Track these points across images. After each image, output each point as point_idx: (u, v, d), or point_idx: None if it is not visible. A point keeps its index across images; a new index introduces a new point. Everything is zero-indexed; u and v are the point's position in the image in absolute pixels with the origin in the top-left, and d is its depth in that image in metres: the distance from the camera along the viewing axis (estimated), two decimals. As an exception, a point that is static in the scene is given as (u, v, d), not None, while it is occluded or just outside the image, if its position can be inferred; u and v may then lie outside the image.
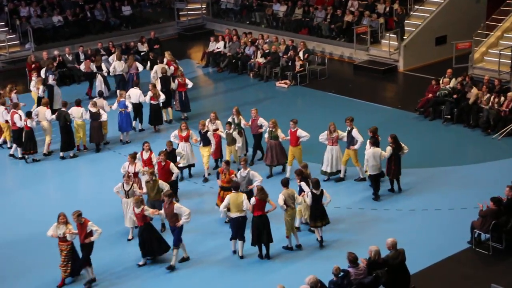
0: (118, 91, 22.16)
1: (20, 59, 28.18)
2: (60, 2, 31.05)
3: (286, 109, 23.52)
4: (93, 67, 24.90)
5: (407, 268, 13.04)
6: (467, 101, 21.28)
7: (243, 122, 18.95)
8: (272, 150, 18.32)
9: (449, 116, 21.55)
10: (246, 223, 14.71)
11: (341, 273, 12.32)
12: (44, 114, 20.23)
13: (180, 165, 17.63)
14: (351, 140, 17.68)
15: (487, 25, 25.92)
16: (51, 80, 23.20)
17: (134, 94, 21.60)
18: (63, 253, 13.82)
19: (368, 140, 17.17)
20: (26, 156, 19.96)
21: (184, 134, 18.25)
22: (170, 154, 17.12)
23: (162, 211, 14.53)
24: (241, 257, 14.71)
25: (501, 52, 23.84)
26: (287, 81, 25.73)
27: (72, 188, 18.72)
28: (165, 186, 15.50)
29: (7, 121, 20.37)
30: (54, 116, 20.26)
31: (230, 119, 18.75)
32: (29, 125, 19.53)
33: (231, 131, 18.33)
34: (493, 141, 20.23)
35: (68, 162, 20.06)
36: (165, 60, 23.52)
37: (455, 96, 21.58)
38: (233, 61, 27.43)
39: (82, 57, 26.68)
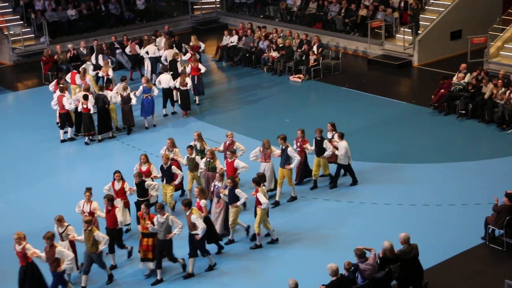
0: (143, 77, 22.47)
1: (35, 53, 28.33)
2: (74, -4, 31.19)
3: (300, 103, 23.51)
4: (139, 50, 25.57)
5: (420, 263, 13.01)
6: (482, 96, 21.15)
7: (207, 148, 16.79)
8: (209, 184, 16.06)
9: (463, 111, 21.43)
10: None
11: (352, 268, 12.36)
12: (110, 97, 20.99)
13: (152, 199, 15.56)
14: (286, 159, 16.52)
15: (503, 19, 25.76)
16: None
17: (165, 79, 22.17)
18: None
19: (337, 134, 17.21)
20: (87, 138, 20.63)
21: (144, 168, 15.98)
22: (140, 188, 15.31)
23: (43, 254, 12.91)
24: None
25: (516, 47, 23.72)
26: (301, 76, 25.68)
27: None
28: (101, 238, 13.48)
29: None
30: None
31: (192, 143, 16.94)
32: (89, 107, 20.27)
33: (193, 156, 16.50)
34: (508, 137, 20.10)
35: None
36: (191, 44, 25.43)
37: (470, 90, 21.45)
38: (247, 55, 27.42)
39: (96, 50, 26.78)
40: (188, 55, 24.25)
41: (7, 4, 30.22)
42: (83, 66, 23.68)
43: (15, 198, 17.65)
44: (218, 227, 15.09)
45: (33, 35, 29.21)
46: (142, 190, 15.33)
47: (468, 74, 22.12)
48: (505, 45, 25.00)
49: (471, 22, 26.78)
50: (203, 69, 23.40)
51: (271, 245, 15.05)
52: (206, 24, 33.17)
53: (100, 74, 23.36)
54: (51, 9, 29.79)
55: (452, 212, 16.14)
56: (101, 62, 24.00)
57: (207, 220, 14.32)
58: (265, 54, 26.98)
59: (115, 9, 31.10)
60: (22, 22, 29.60)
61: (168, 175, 15.97)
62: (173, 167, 15.92)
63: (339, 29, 29.01)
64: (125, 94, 20.89)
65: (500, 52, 24.96)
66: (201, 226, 13.80)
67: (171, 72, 22.90)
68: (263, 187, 14.94)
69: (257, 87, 25.26)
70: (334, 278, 12.06)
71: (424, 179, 17.81)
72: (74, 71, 23.06)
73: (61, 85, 20.91)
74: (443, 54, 26.86)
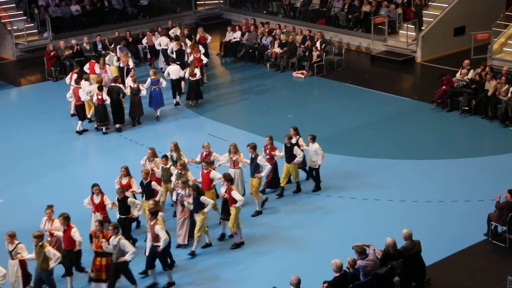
0: (152, 69, 22.63)
1: (38, 48, 28.34)
2: (78, -9, 31.19)
3: (303, 99, 23.51)
4: (155, 41, 25.94)
5: (422, 260, 13.02)
6: (485, 92, 21.13)
7: (184, 159, 16.00)
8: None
9: (467, 108, 21.41)
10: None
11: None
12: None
13: (135, 216, 14.86)
14: (256, 168, 15.96)
15: (507, 15, 25.71)
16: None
17: (174, 71, 22.55)
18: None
19: (309, 136, 16.70)
20: (102, 128, 20.89)
21: (124, 182, 15.09)
22: (121, 204, 14.43)
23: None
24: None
25: (520, 43, 23.69)
26: (304, 72, 25.68)
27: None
28: (52, 254, 12.71)
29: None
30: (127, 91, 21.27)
31: (168, 154, 16.18)
32: (104, 98, 20.48)
33: (168, 166, 15.72)
34: (511, 133, 20.08)
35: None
36: (198, 35, 25.70)
37: (473, 86, 21.43)
38: (250, 51, 27.41)
39: (99, 46, 26.78)
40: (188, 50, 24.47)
41: (11, -1, 30.28)
42: (107, 57, 24.01)
43: (19, 193, 17.67)
44: (182, 237, 14.72)
45: (36, 30, 29.22)
46: (124, 207, 14.40)
47: (472, 71, 22.10)
48: (508, 41, 24.97)
49: (475, 18, 26.74)
50: (205, 60, 23.97)
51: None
52: (209, 20, 33.14)
53: (121, 64, 23.70)
54: (55, 5, 29.80)
55: (455, 208, 16.14)
56: (118, 53, 24.34)
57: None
58: (268, 50, 26.96)
59: (118, 5, 31.10)
60: (25, 17, 29.61)
61: (147, 191, 14.94)
62: (153, 183, 15.00)
63: (342, 25, 28.98)
64: (134, 86, 21.14)
65: (504, 48, 24.94)
66: (163, 237, 13.23)
67: (178, 62, 23.29)
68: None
69: (260, 83, 25.27)
70: (337, 274, 12.08)
71: (426, 175, 17.81)
72: (92, 61, 23.47)
73: (77, 76, 21.24)
74: (447, 50, 26.83)
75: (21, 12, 29.83)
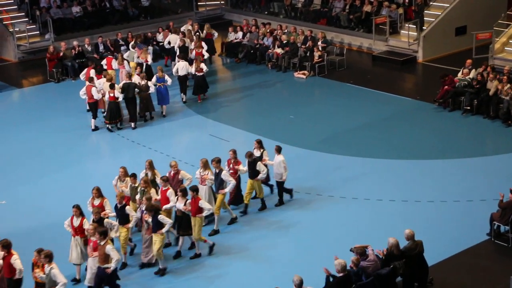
0: (158, 67, 22.89)
1: (40, 49, 28.36)
2: (79, -7, 31.22)
3: (304, 100, 23.51)
4: (171, 39, 26.22)
5: (425, 260, 13.01)
6: (487, 92, 21.12)
7: (158, 178, 15.38)
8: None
9: (468, 107, 21.40)
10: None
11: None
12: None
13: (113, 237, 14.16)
14: (220, 183, 15.37)
15: (508, 15, 25.69)
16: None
17: (183, 67, 22.94)
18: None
19: (275, 148, 16.14)
20: (111, 126, 21.09)
21: (97, 203, 14.31)
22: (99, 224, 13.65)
23: None
24: None
25: (522, 43, 23.67)
26: (305, 72, 25.67)
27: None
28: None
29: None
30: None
31: (142, 172, 15.53)
32: (116, 95, 20.64)
33: (136, 185, 14.97)
34: (513, 133, 20.11)
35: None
36: (204, 32, 26.52)
37: (475, 86, 21.42)
38: (251, 51, 27.42)
39: (101, 47, 26.83)
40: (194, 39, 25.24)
41: (12, 1, 30.25)
42: (127, 53, 24.55)
43: (20, 194, 17.67)
44: (149, 256, 14.20)
45: (38, 32, 29.24)
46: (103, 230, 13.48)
47: (473, 70, 22.09)
48: (510, 41, 24.95)
49: (476, 18, 26.72)
50: (206, 55, 24.62)
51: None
52: (210, 21, 32.95)
53: (140, 60, 23.99)
54: (56, 6, 29.82)
55: (457, 208, 16.13)
56: (136, 50, 24.65)
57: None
58: (269, 50, 26.97)
59: (119, 6, 31.12)
60: (27, 19, 29.63)
61: (121, 216, 14.13)
62: (127, 207, 14.18)
63: (343, 25, 28.97)
64: (143, 83, 21.36)
65: (505, 48, 24.91)
66: (116, 257, 12.75)
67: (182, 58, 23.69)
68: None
69: (261, 83, 25.27)
70: (341, 274, 12.08)
71: (429, 175, 17.80)
72: (109, 56, 24.10)
73: (91, 76, 21.61)
74: (448, 50, 26.81)
75: (23, 13, 29.86)
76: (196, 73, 22.87)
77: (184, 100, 23.32)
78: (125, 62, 23.43)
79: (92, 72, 22.30)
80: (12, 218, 16.36)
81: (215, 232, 15.35)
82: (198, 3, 33.74)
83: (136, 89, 21.18)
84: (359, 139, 20.07)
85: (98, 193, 14.30)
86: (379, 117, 21.64)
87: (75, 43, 26.85)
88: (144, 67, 23.39)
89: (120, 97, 20.82)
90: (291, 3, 30.91)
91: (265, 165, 16.06)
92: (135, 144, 20.41)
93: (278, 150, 16.16)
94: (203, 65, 23.06)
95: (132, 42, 25.23)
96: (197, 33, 26.30)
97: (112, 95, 20.69)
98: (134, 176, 15.01)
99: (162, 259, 14.03)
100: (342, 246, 13.48)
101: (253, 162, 15.81)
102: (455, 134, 20.33)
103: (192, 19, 29.10)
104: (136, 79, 21.64)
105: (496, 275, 13.60)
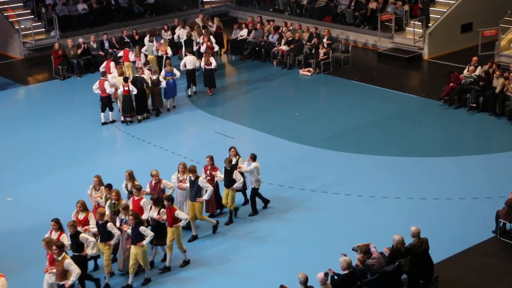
0: (167, 61, 23.05)
1: (46, 47, 28.40)
2: (84, -10, 31.26)
3: (309, 97, 23.50)
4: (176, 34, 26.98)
5: (430, 257, 13.01)
6: (493, 89, 21.06)
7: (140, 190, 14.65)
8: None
9: (474, 105, 21.35)
10: None
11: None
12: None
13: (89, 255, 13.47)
14: (197, 191, 14.87)
15: (514, 12, 25.63)
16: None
17: (190, 61, 23.15)
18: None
19: (250, 156, 15.68)
20: (128, 119, 21.36)
21: (81, 217, 13.78)
22: (74, 240, 13.07)
23: None
24: None
25: (528, 40, 23.60)
26: (311, 69, 25.65)
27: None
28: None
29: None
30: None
31: (123, 184, 15.00)
32: (130, 89, 20.92)
33: (109, 196, 14.43)
34: (519, 130, 20.07)
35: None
36: (214, 26, 27.33)
37: (481, 83, 21.37)
38: (257, 48, 27.41)
39: (106, 44, 26.88)
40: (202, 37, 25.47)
41: (18, -2, 30.37)
42: (145, 46, 24.89)
43: (25, 191, 17.71)
44: (125, 269, 13.64)
45: (43, 29, 29.27)
46: (76, 243, 13.08)
47: (479, 67, 22.03)
48: (516, 38, 24.90)
49: (482, 15, 26.64)
50: (216, 47, 25.38)
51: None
52: (216, 18, 33.16)
53: (159, 53, 24.34)
54: (62, 3, 29.85)
55: (463, 205, 16.11)
56: (155, 43, 25.09)
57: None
58: (274, 47, 26.96)
59: (125, 3, 31.14)
60: (32, 16, 29.67)
61: (103, 233, 13.45)
62: (109, 224, 13.41)
63: (349, 22, 28.93)
64: (154, 77, 21.64)
65: (511, 45, 24.82)
66: (76, 271, 12.13)
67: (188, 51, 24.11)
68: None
69: (266, 80, 25.26)
70: (346, 272, 12.09)
71: (434, 173, 17.77)
72: (126, 49, 24.41)
73: (104, 70, 21.97)
74: (454, 47, 26.75)
75: (29, 11, 29.90)
76: (206, 66, 23.20)
77: (194, 91, 23.71)
78: (142, 54, 23.81)
79: (112, 65, 22.73)
80: (17, 215, 16.40)
81: (194, 238, 15.01)
82: (204, 0, 33.73)
83: (143, 84, 21.34)
84: (364, 137, 20.05)
85: (83, 207, 13.74)
86: (384, 115, 21.61)
87: (80, 40, 26.90)
88: (164, 59, 23.70)
89: (134, 90, 21.04)
90: (296, 0, 30.87)
91: (242, 174, 15.54)
92: (140, 141, 20.44)
93: (253, 158, 15.65)
94: (212, 59, 23.34)
95: (148, 36, 25.62)
96: (207, 27, 26.63)
97: (126, 88, 20.94)
98: (109, 187, 14.44)
99: (148, 269, 13.66)
100: (347, 244, 13.45)
101: (230, 170, 15.30)
102: (460, 131, 20.29)
103: (203, 13, 29.63)
104: (147, 73, 21.86)
105: (501, 273, 13.58)
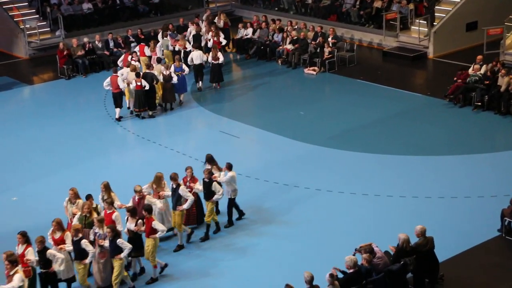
0: (176, 56, 23.44)
1: (51, 46, 28.45)
2: (89, -11, 31.30)
3: (314, 96, 23.49)
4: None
5: (436, 256, 13.00)
6: (498, 88, 21.02)
7: (117, 204, 14.37)
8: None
9: (479, 103, 21.31)
10: None
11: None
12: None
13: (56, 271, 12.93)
14: (178, 200, 14.51)
15: (519, 10, 25.57)
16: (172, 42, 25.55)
17: (197, 56, 23.61)
18: None
19: (226, 165, 15.19)
20: (141, 113, 21.70)
21: (57, 236, 13.22)
22: (41, 257, 12.61)
23: None
24: None
25: (533, 38, 23.55)
26: (316, 68, 25.64)
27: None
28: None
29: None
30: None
31: (100, 196, 14.48)
32: (143, 84, 21.22)
33: (93, 206, 14.09)
34: (524, 129, 20.02)
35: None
36: (222, 22, 27.68)
37: (486, 82, 21.34)
38: (262, 48, 27.42)
39: (111, 44, 26.92)
40: (210, 34, 25.90)
41: (23, -2, 30.43)
42: (160, 42, 25.29)
43: (31, 190, 17.76)
44: (104, 279, 13.17)
45: (48, 28, 29.33)
46: (44, 260, 12.62)
47: (484, 66, 21.99)
48: (521, 36, 24.84)
49: (487, 13, 26.59)
50: (224, 42, 25.87)
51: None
52: (220, 17, 33.15)
53: (177, 47, 24.87)
54: (67, 3, 29.91)
55: (468, 204, 16.09)
56: (169, 39, 25.56)
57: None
58: (279, 46, 26.96)
59: (129, 3, 31.18)
60: (37, 16, 29.73)
61: (77, 250, 12.98)
62: (83, 241, 12.94)
63: (354, 21, 28.91)
64: (166, 73, 21.86)
65: (517, 44, 24.82)
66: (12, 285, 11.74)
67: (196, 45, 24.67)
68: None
69: (271, 79, 25.27)
70: (352, 271, 12.09)
71: (439, 171, 17.75)
72: (142, 44, 24.97)
73: (115, 67, 22.25)
74: (459, 46, 26.71)
75: (34, 10, 29.96)
76: (213, 61, 23.55)
77: (199, 86, 23.97)
78: (158, 49, 24.27)
79: (130, 59, 23.05)
80: (22, 215, 16.43)
81: (180, 247, 14.70)
82: (208, 0, 33.75)
83: (153, 79, 21.60)
84: (369, 135, 20.04)
85: (59, 226, 13.19)
86: (389, 113, 21.59)
87: (85, 39, 26.96)
88: (182, 54, 24.13)
89: (147, 85, 21.25)
90: (301, -1, 30.88)
91: (220, 184, 14.98)
92: (145, 140, 20.46)
93: (229, 167, 15.16)
94: (219, 54, 23.65)
95: (160, 33, 25.99)
96: (215, 23, 27.00)
97: (139, 84, 21.20)
98: (89, 198, 14.09)
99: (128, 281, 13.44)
100: (352, 242, 13.45)
101: (209, 182, 14.75)
102: (465, 130, 20.26)
103: (210, 9, 30.20)
104: (157, 68, 22.11)
105: (507, 271, 13.56)
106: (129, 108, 22.25)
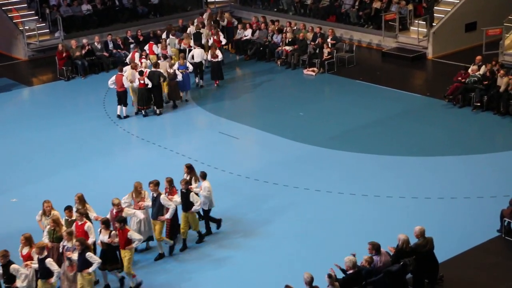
0: (180, 54, 23.83)
1: (50, 48, 28.44)
2: (89, -9, 31.30)
3: (314, 97, 23.49)
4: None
5: (435, 257, 13.00)
6: (497, 88, 21.04)
7: (93, 215, 14.02)
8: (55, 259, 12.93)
9: (478, 104, 21.33)
10: None
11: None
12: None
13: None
14: (159, 209, 14.13)
15: (518, 11, 25.57)
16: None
17: (198, 54, 23.97)
18: None
19: (200, 174, 14.91)
20: (144, 111, 21.91)
21: (25, 252, 12.78)
22: (5, 271, 12.23)
23: None
24: None
25: (532, 39, 23.56)
26: (315, 69, 25.64)
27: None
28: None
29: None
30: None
31: (74, 207, 14.01)
32: (146, 82, 21.46)
33: (73, 218, 13.72)
34: (523, 129, 20.02)
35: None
36: (225, 21, 28.31)
37: (485, 83, 21.35)
38: (261, 48, 27.42)
39: (110, 45, 26.93)
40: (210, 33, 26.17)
41: (22, -1, 30.43)
42: (168, 40, 25.62)
43: (31, 191, 17.72)
44: None
45: (48, 30, 29.32)
46: (7, 274, 12.27)
47: (483, 66, 22.00)
48: (520, 37, 24.85)
49: (486, 14, 26.60)
50: (224, 41, 26.14)
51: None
52: (219, 18, 33.16)
53: (182, 46, 25.22)
54: (66, 4, 29.91)
55: (467, 205, 16.09)
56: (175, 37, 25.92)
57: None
58: (279, 47, 26.96)
59: (128, 4, 31.18)
60: (37, 17, 29.71)
61: (42, 269, 12.36)
62: (47, 260, 12.35)
63: (353, 22, 28.92)
64: (171, 71, 22.21)
65: (515, 44, 24.83)
66: None
67: (196, 43, 24.97)
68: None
69: (271, 80, 25.27)
70: (351, 271, 12.08)
71: (439, 172, 17.76)
72: (151, 42, 25.33)
73: (121, 67, 22.23)
74: (458, 46, 26.72)
75: (33, 12, 29.95)
76: (212, 59, 23.88)
77: (201, 84, 24.36)
78: (168, 47, 24.61)
79: (137, 56, 23.36)
80: (22, 216, 16.38)
81: (161, 256, 14.41)
82: (208, 0, 33.75)
83: (160, 78, 21.78)
84: (369, 136, 20.04)
85: (27, 242, 12.68)
86: (388, 114, 21.60)
87: (84, 41, 26.95)
88: (187, 52, 24.33)
89: (150, 83, 21.38)
90: (300, 0, 30.86)
91: (197, 195, 14.63)
92: (144, 141, 20.47)
93: (203, 176, 14.82)
94: (218, 52, 23.93)
95: (164, 34, 26.21)
96: (218, 21, 27.34)
97: (142, 82, 21.40)
98: (69, 209, 13.74)
99: None
100: (352, 243, 13.50)
101: (186, 192, 14.34)
102: (465, 130, 20.27)
103: (210, 9, 30.35)
104: (162, 65, 22.27)
105: (506, 272, 13.56)
106: (133, 105, 22.38)
